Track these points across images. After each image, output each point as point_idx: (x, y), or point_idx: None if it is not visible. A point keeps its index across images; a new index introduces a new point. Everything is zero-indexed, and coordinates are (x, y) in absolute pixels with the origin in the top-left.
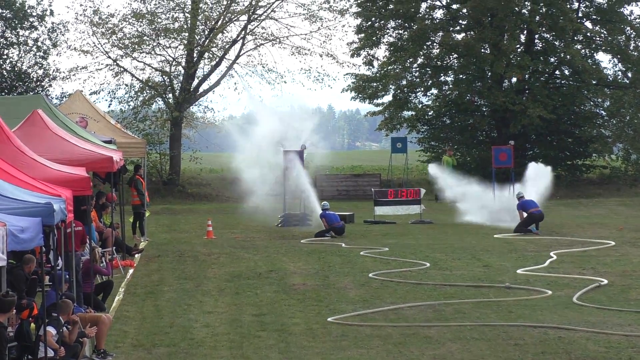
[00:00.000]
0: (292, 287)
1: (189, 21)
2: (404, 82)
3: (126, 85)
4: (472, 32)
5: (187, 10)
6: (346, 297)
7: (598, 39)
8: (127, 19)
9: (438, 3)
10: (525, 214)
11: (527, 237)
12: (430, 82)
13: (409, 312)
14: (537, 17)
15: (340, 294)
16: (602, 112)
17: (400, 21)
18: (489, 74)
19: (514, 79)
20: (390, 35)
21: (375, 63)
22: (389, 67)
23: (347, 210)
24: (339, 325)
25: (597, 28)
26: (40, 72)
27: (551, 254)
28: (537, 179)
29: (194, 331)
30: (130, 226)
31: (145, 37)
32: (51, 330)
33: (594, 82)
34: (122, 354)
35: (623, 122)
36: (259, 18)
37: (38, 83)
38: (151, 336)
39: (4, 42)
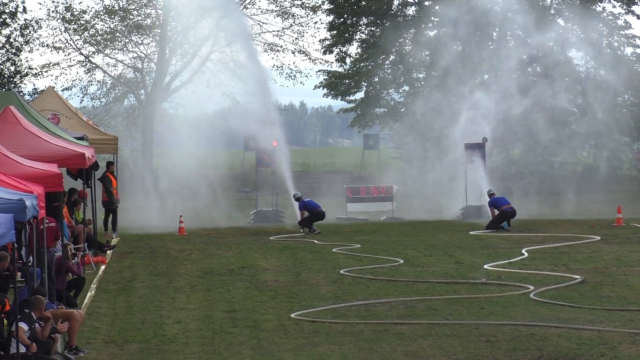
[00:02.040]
0: (264, 283)
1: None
2: (376, 79)
3: (98, 81)
4: (444, 30)
5: (159, 7)
6: (318, 293)
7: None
8: (99, 16)
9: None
10: (497, 211)
11: (499, 234)
12: (402, 78)
13: (381, 309)
14: None
15: (312, 290)
16: (575, 109)
17: (372, 18)
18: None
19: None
20: (363, 32)
21: (348, 60)
22: (361, 64)
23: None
24: (311, 322)
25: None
26: (12, 68)
27: (523, 250)
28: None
29: (166, 327)
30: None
31: (117, 34)
32: (23, 326)
33: (566, 78)
34: (94, 350)
35: (595, 119)
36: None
37: (10, 80)
38: (123, 332)
39: None
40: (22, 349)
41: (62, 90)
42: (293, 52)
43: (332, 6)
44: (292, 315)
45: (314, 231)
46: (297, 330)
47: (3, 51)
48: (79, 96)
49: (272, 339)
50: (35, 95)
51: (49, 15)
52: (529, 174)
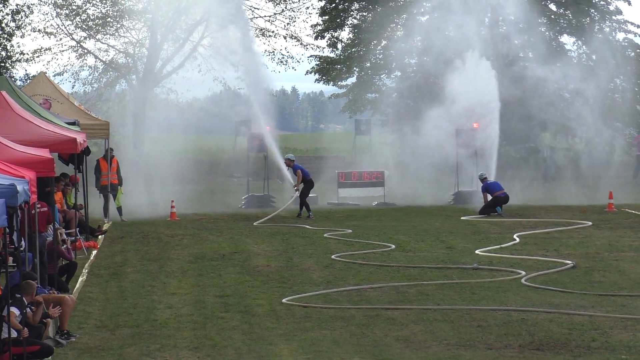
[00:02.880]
0: (256, 268)
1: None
2: (368, 64)
3: (90, 67)
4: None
5: None
6: (309, 278)
7: (562, 21)
8: (90, 1)
9: None
10: (489, 197)
11: (491, 219)
12: (394, 64)
13: (372, 294)
14: None
15: (304, 275)
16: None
17: (364, 3)
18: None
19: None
20: (354, 17)
21: (339, 45)
22: (353, 50)
23: (311, 192)
24: (303, 307)
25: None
26: (4, 54)
27: (514, 235)
28: None
29: (158, 312)
30: (102, 208)
31: (108, 19)
32: (14, 311)
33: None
34: (86, 335)
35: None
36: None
37: (2, 65)
38: (115, 317)
39: None
40: (14, 334)
41: (54, 76)
42: (285, 38)
43: None
44: (283, 300)
45: (309, 216)
46: (289, 316)
47: None
48: (70, 81)
49: (263, 324)
50: (27, 81)
51: (40, 1)
52: (520, 159)
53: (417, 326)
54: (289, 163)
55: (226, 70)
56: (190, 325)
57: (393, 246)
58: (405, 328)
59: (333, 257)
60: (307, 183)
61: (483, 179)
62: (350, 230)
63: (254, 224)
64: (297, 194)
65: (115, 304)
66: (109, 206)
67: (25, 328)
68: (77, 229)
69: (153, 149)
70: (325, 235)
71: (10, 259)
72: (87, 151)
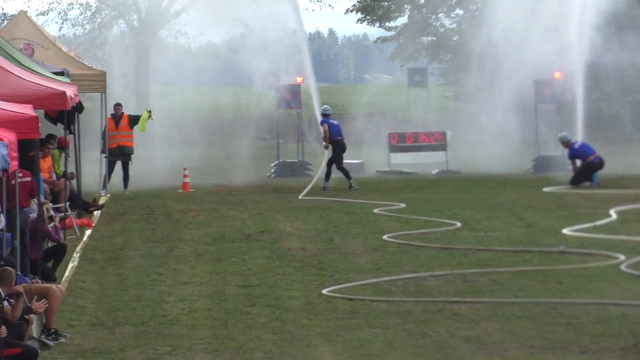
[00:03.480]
0: (288, 252)
1: None
2: (422, 1)
3: (81, 4)
4: None
5: None
6: (355, 264)
7: None
8: None
9: None
10: (579, 162)
11: (580, 190)
12: (454, 0)
13: (433, 284)
14: None
15: (348, 260)
16: None
17: None
18: None
19: None
20: None
21: None
22: None
23: (355, 158)
24: (347, 299)
25: None
26: None
27: (611, 211)
28: None
29: (167, 306)
30: (99, 177)
31: None
32: None
33: None
34: (78, 335)
35: None
36: None
37: None
38: (114, 312)
39: None
40: None
41: (37, 15)
42: None
43: None
44: (323, 291)
45: (351, 187)
46: (330, 310)
47: None
48: (57, 22)
49: (298, 320)
50: (4, 22)
51: None
52: (615, 118)
53: (491, 324)
54: (325, 117)
55: (248, 8)
56: (208, 322)
57: (459, 224)
58: (475, 326)
59: (384, 237)
60: (335, 144)
61: (567, 143)
62: (404, 205)
63: (299, 197)
64: (327, 153)
65: (114, 296)
66: (111, 175)
67: (3, 326)
68: (68, 203)
69: (160, 105)
70: (375, 211)
71: None
72: (79, 107)
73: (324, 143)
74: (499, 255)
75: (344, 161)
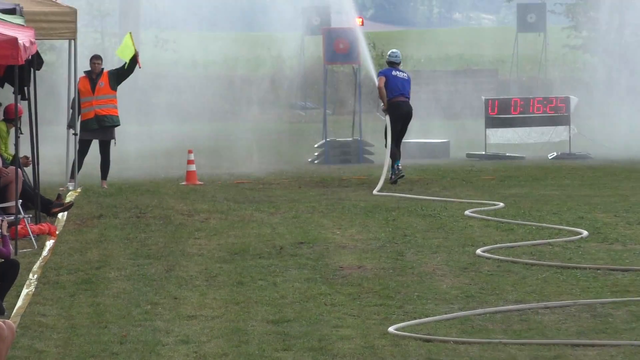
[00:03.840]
0: (339, 272)
1: None
2: None
3: None
4: None
5: None
6: (436, 290)
7: None
8: None
9: None
10: None
11: None
12: None
13: (548, 319)
14: None
15: (425, 284)
16: None
17: None
18: None
19: None
20: None
21: None
22: None
23: (437, 135)
24: (424, 341)
25: None
26: None
27: None
28: None
29: (164, 351)
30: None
31: None
32: None
33: None
34: None
35: None
36: None
37: None
38: None
39: None
40: None
41: None
42: None
43: None
44: (389, 329)
45: (392, 178)
46: (399, 357)
47: None
48: None
49: None
50: None
51: None
52: None
53: None
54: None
55: None
56: None
57: (585, 233)
58: None
59: (478, 252)
60: (392, 107)
61: None
62: (502, 205)
63: (374, 192)
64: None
65: (87, 337)
66: (83, 160)
67: None
68: (20, 201)
69: (156, 58)
70: (466, 213)
71: None
72: (36, 62)
73: (381, 105)
74: None
75: (403, 137)
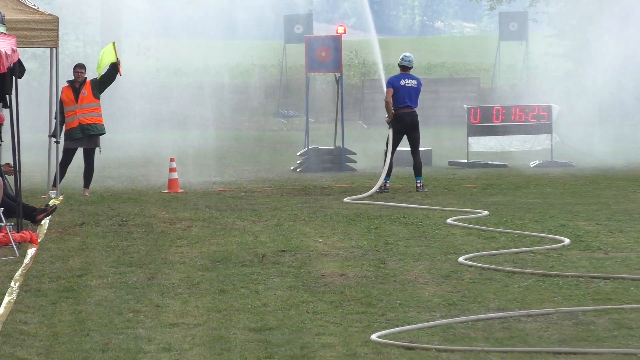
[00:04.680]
0: (321, 280)
1: None
2: None
3: None
4: None
5: None
6: (418, 298)
7: None
8: None
9: None
10: None
11: None
12: None
13: (530, 326)
14: None
15: (407, 292)
16: None
17: None
18: None
19: None
20: None
21: None
22: None
23: (420, 144)
24: (406, 349)
25: None
26: None
27: None
28: None
29: (146, 359)
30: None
31: None
32: None
33: None
34: None
35: None
36: None
37: None
38: None
39: None
40: None
41: None
42: None
43: None
44: (373, 336)
45: (382, 189)
46: None
47: None
48: None
49: None
50: None
51: None
52: None
53: None
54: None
55: None
56: None
57: (567, 240)
58: None
59: (460, 260)
60: (396, 119)
61: None
62: (487, 213)
63: (345, 200)
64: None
65: (69, 345)
66: (66, 169)
67: None
68: (1, 209)
69: (137, 66)
70: (448, 221)
71: None
72: (18, 70)
73: (386, 117)
74: (626, 287)
75: (417, 147)
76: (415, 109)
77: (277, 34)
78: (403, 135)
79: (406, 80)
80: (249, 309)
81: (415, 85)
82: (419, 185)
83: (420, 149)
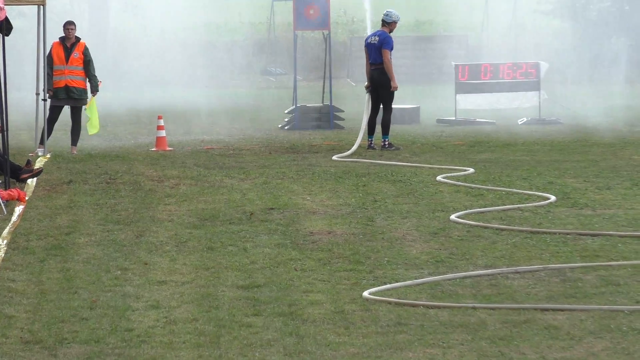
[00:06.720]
0: (309, 237)
1: None
2: None
3: None
4: None
5: None
6: (406, 255)
7: None
8: None
9: None
10: None
11: None
12: None
13: (518, 283)
14: None
15: (395, 250)
16: None
17: None
18: None
19: None
20: None
21: None
22: None
23: (407, 101)
24: (389, 305)
25: None
26: None
27: None
28: None
29: (134, 316)
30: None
31: None
32: None
33: None
34: (5, 357)
35: None
36: None
37: None
38: (56, 325)
39: None
40: None
41: None
42: None
43: None
44: (365, 293)
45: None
46: (369, 322)
47: None
48: None
49: (322, 336)
50: None
51: None
52: None
53: (600, 341)
54: (389, 28)
55: None
56: (193, 339)
57: (553, 198)
58: (577, 344)
59: (452, 217)
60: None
61: None
62: (472, 170)
63: (333, 157)
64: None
65: (57, 302)
66: (54, 126)
67: None
68: None
69: (123, 25)
70: (438, 178)
71: None
72: (5, 27)
73: (393, 84)
74: (614, 243)
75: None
76: (381, 65)
77: None
78: (375, 93)
79: (372, 37)
80: (237, 267)
81: (376, 42)
82: (384, 143)
83: (406, 106)
